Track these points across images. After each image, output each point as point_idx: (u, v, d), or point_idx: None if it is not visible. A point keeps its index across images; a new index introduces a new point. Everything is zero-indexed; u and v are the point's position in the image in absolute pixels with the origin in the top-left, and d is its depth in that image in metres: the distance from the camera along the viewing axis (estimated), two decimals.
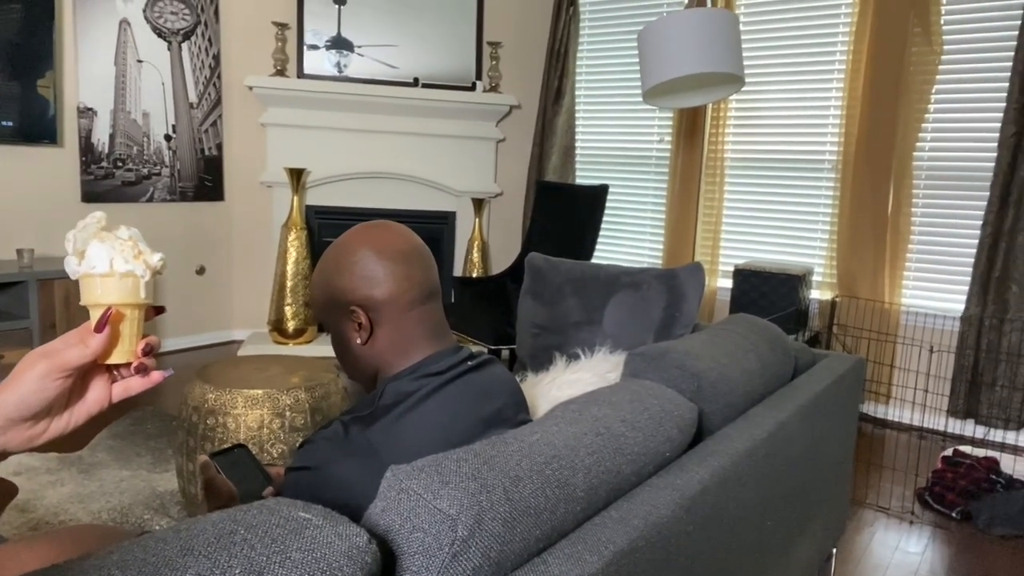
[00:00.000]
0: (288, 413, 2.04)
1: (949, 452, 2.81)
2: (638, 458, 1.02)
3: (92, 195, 3.71)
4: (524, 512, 0.79)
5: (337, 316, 1.04)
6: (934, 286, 3.42)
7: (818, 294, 3.67)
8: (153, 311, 0.75)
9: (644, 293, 1.94)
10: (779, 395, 1.54)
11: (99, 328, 0.68)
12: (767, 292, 3.46)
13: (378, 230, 1.05)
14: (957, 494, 2.56)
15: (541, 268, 2.11)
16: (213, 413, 2.00)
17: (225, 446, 1.28)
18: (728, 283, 3.85)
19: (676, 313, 1.92)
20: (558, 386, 1.37)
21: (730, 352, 1.47)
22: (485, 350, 1.14)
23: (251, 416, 2.00)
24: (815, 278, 3.69)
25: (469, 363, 1.05)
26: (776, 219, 3.84)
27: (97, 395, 0.72)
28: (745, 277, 3.51)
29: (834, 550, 2.01)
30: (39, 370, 0.66)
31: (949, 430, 3.33)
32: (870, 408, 3.55)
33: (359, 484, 0.88)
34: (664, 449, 1.08)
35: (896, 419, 3.49)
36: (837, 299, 3.55)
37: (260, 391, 2.04)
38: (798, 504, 1.54)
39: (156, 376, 0.74)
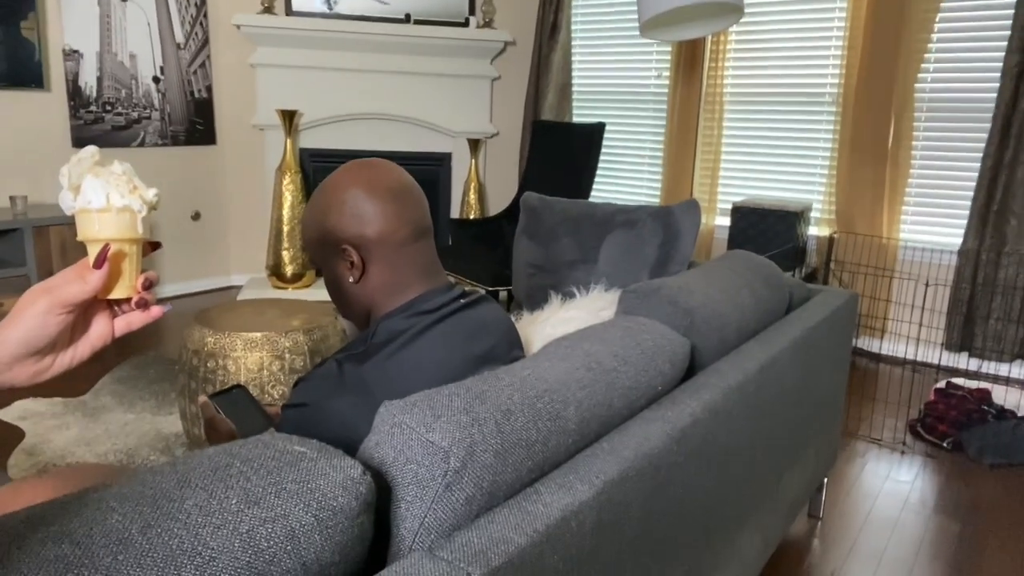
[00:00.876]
0: (287, 355, 2.06)
1: (942, 384, 2.85)
2: (629, 392, 1.03)
3: (82, 140, 3.66)
4: (516, 444, 0.80)
5: (329, 255, 1.04)
6: (933, 220, 3.41)
7: (816, 230, 3.66)
8: (150, 246, 0.76)
9: (639, 231, 1.94)
10: (772, 330, 1.55)
11: (98, 264, 0.68)
12: (765, 229, 3.45)
13: (368, 168, 1.04)
14: (948, 424, 2.60)
15: (536, 208, 2.10)
16: (213, 356, 2.02)
17: (224, 387, 1.30)
18: (727, 221, 3.84)
19: (671, 251, 1.91)
20: (552, 324, 1.38)
21: (724, 288, 1.48)
22: (482, 291, 1.14)
23: (251, 358, 2.02)
24: (814, 214, 3.68)
25: (462, 301, 1.05)
26: (775, 155, 3.80)
27: (100, 330, 0.73)
28: (743, 214, 3.49)
29: (825, 480, 2.06)
30: (40, 306, 0.66)
31: (943, 363, 3.37)
32: (865, 343, 3.58)
33: (353, 419, 0.90)
34: (656, 383, 1.10)
35: (891, 353, 3.52)
36: (835, 235, 3.54)
37: (259, 334, 2.05)
38: (789, 436, 1.57)
39: (156, 310, 0.75)
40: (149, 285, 0.73)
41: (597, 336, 1.10)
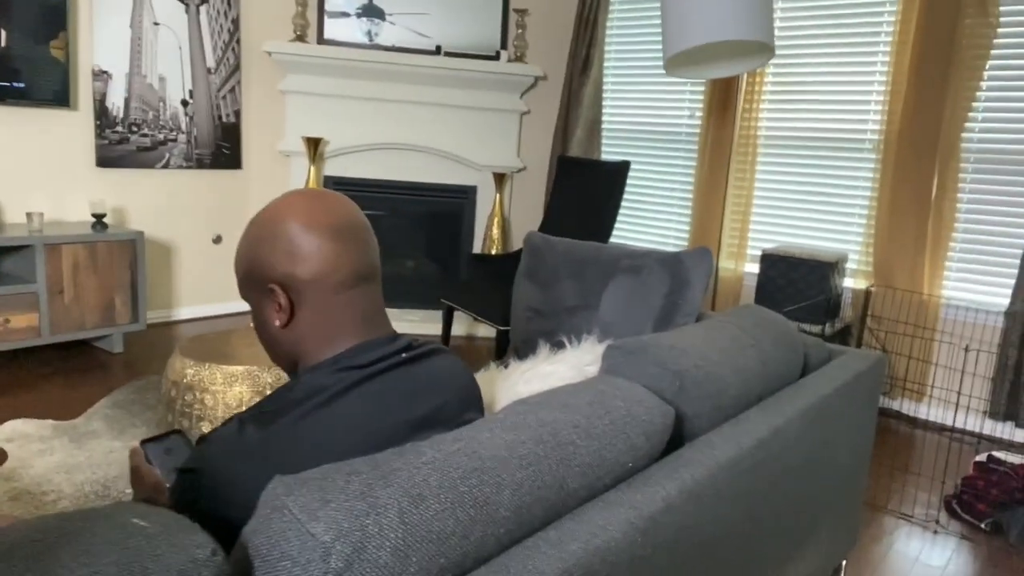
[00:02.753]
0: (269, 391, 1.95)
1: (983, 457, 2.61)
2: (589, 470, 0.89)
3: (106, 160, 3.67)
4: (423, 538, 0.67)
5: (256, 293, 0.93)
6: (978, 278, 3.19)
7: (852, 283, 3.46)
8: None
9: (644, 278, 1.80)
10: (780, 396, 1.39)
11: None
12: (796, 279, 3.26)
13: (310, 199, 0.93)
14: (988, 504, 2.37)
15: (538, 247, 1.98)
16: (191, 389, 1.93)
17: (160, 432, 1.20)
18: (755, 268, 3.66)
19: (678, 301, 1.77)
20: (526, 380, 1.25)
21: (725, 347, 1.33)
22: (436, 341, 1.01)
23: (230, 393, 1.92)
24: (849, 265, 3.48)
25: (404, 355, 0.93)
26: (811, 201, 3.62)
27: None
28: (773, 262, 3.32)
29: (843, 563, 1.86)
30: None
31: (986, 432, 3.12)
32: (901, 405, 3.35)
33: (244, 493, 0.77)
34: (625, 459, 0.95)
35: (929, 418, 3.28)
36: (872, 289, 3.34)
37: (241, 367, 1.96)
38: (795, 518, 1.39)
39: None
40: None
41: (560, 401, 0.96)
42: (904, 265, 3.29)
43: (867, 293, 3.33)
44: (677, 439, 1.15)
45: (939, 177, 3.19)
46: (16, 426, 2.57)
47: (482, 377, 1.42)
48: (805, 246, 3.57)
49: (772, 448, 1.21)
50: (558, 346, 1.54)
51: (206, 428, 1.90)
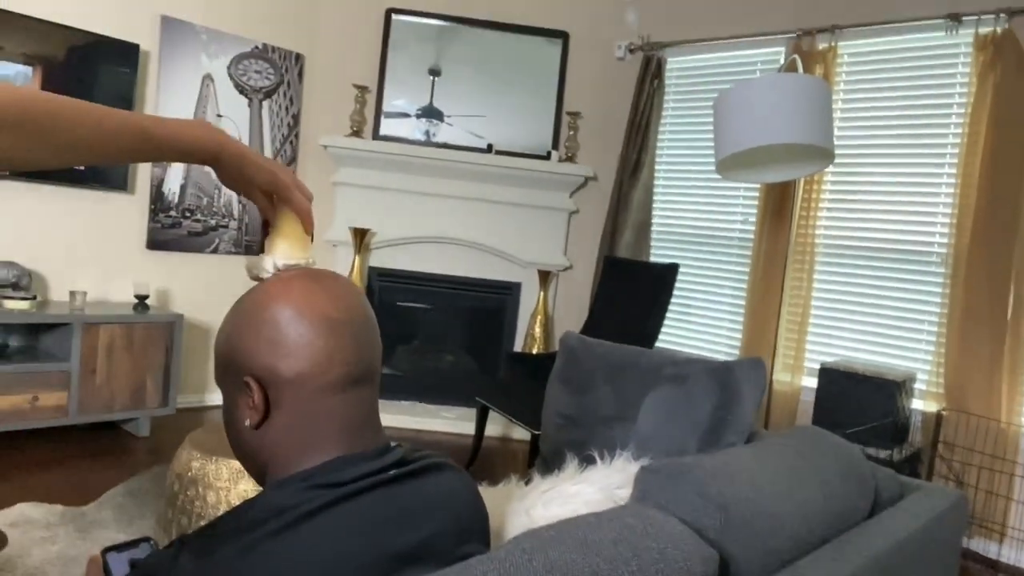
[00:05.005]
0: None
1: None
2: None
3: (157, 243, 3.72)
4: None
5: (230, 383, 0.81)
6: None
7: (921, 405, 3.18)
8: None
9: (690, 389, 1.63)
10: (846, 539, 1.18)
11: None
12: (859, 398, 3.01)
13: (308, 281, 0.80)
14: None
15: (574, 349, 1.84)
16: (195, 483, 1.80)
17: (127, 539, 1.06)
18: (813, 383, 3.42)
19: (727, 416, 1.58)
20: (546, 500, 1.08)
21: (781, 476, 1.14)
22: (436, 455, 0.87)
23: (235, 491, 1.79)
24: (918, 386, 3.21)
25: (392, 472, 0.78)
26: (873, 315, 3.40)
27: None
28: (833, 378, 3.09)
29: None
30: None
31: None
32: (979, 546, 2.99)
33: None
34: None
35: (1012, 562, 2.91)
36: (944, 412, 3.06)
37: None
38: None
39: None
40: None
41: (579, 537, 0.80)
42: (979, 389, 3.01)
43: (938, 417, 3.05)
44: None
45: (1015, 294, 2.96)
46: (24, 510, 2.47)
47: (499, 492, 1.25)
48: (869, 362, 3.33)
49: None
50: (588, 460, 1.37)
51: None
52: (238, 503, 1.77)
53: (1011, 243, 2.96)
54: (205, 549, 0.67)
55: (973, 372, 3.03)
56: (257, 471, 0.81)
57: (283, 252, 0.87)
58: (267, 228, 1.02)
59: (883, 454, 2.84)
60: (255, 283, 0.85)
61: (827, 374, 3.10)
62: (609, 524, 0.86)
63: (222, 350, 0.82)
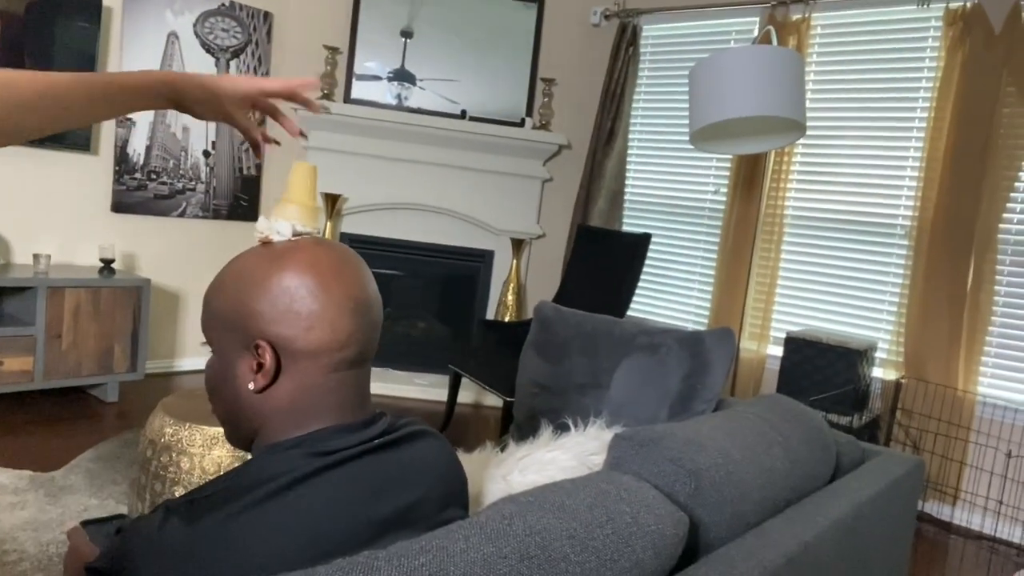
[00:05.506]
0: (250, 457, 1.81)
1: None
2: None
3: (122, 205, 3.64)
4: None
5: (231, 344, 0.79)
6: (1017, 375, 3.00)
7: (881, 373, 3.28)
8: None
9: (662, 357, 1.66)
10: (809, 503, 1.23)
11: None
12: (822, 366, 3.10)
13: (337, 259, 0.80)
14: None
15: (549, 318, 1.86)
16: (168, 449, 1.80)
17: (103, 515, 1.07)
18: (779, 351, 3.50)
19: (697, 384, 1.62)
20: (523, 467, 1.10)
21: (749, 443, 1.18)
22: (419, 422, 0.89)
23: (208, 457, 1.79)
24: (879, 355, 3.31)
25: (376, 441, 0.79)
26: (838, 285, 3.48)
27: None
28: (798, 347, 3.16)
29: None
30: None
31: (1021, 542, 2.88)
32: (933, 508, 3.11)
33: None
34: None
35: (964, 523, 3.04)
36: (903, 380, 3.16)
37: (222, 429, 1.82)
38: None
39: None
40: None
41: (554, 502, 0.82)
42: (937, 358, 3.11)
43: (897, 385, 3.15)
44: (689, 550, 0.99)
45: (975, 267, 3.05)
46: None
47: (475, 459, 1.28)
48: (832, 331, 3.41)
49: (800, 566, 1.05)
50: (562, 428, 1.40)
51: (179, 493, 1.76)
52: (212, 468, 1.78)
53: (972, 217, 3.04)
54: (194, 515, 0.67)
55: (932, 341, 3.13)
56: (243, 433, 0.81)
57: (300, 217, 0.84)
58: (257, 150, 1.05)
59: (844, 420, 2.93)
60: (263, 244, 0.83)
61: (792, 343, 3.17)
62: (584, 490, 0.88)
63: (225, 308, 0.80)
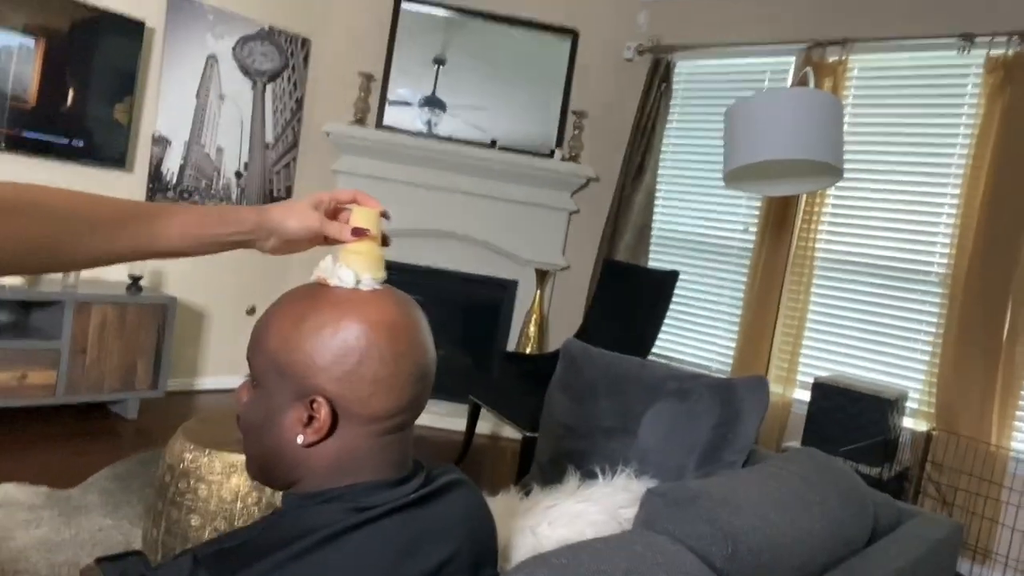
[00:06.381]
0: (268, 489, 1.79)
1: None
2: None
3: None
4: None
5: (282, 388, 0.75)
6: None
7: (911, 423, 3.19)
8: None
9: (692, 405, 1.62)
10: (847, 568, 1.18)
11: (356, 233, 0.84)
12: (852, 414, 3.02)
13: (406, 321, 0.77)
14: None
15: (576, 358, 1.82)
16: (186, 476, 1.78)
17: (119, 551, 1.05)
18: (805, 396, 3.42)
19: (728, 434, 1.58)
20: (551, 519, 1.07)
21: (786, 503, 1.13)
22: (454, 470, 0.86)
23: (227, 486, 1.77)
24: (909, 404, 3.22)
25: (412, 496, 0.77)
26: (869, 332, 3.41)
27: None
28: (826, 393, 3.09)
29: None
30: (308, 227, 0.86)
31: None
32: (963, 567, 3.01)
33: None
34: None
35: None
36: (933, 432, 3.07)
37: (242, 457, 1.80)
38: None
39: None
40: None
41: (590, 567, 0.79)
42: (970, 410, 3.03)
43: (928, 436, 3.06)
44: None
45: (1011, 318, 2.97)
46: (8, 491, 2.44)
47: (499, 503, 1.24)
48: (862, 379, 3.33)
49: None
50: (588, 474, 1.36)
51: (195, 522, 1.74)
52: (230, 496, 1.75)
53: (1010, 266, 2.97)
54: (224, 570, 0.65)
55: (965, 393, 3.04)
56: (278, 477, 0.78)
57: (368, 268, 0.79)
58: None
59: (872, 471, 2.84)
60: (318, 283, 0.79)
61: (820, 388, 3.10)
62: (619, 553, 0.85)
63: (280, 352, 0.76)
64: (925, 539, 1.40)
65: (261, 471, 0.81)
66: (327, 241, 0.86)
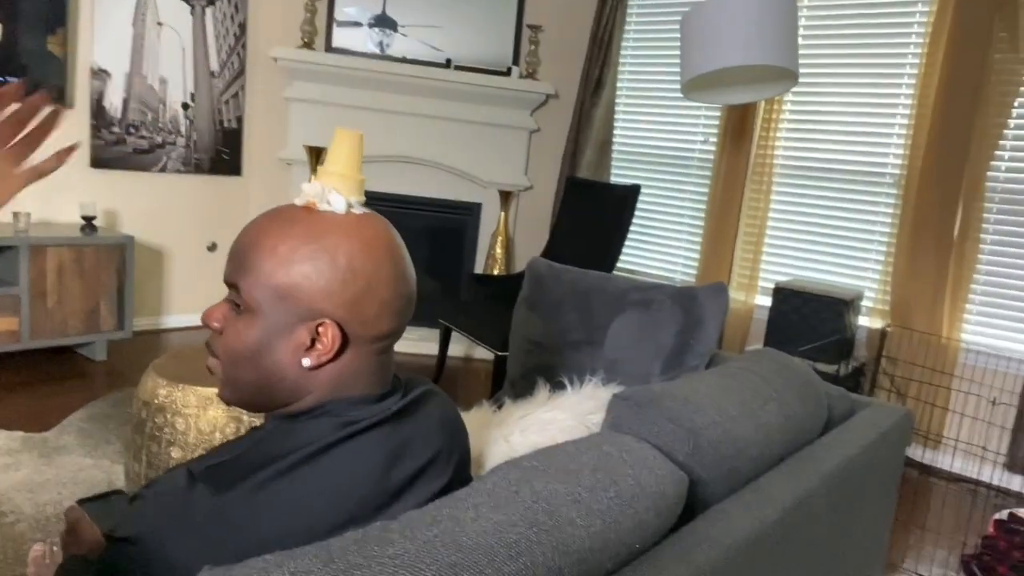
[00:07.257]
0: (246, 417, 1.82)
1: (1004, 515, 2.46)
2: (590, 555, 0.75)
3: (101, 161, 3.56)
4: None
5: (283, 313, 0.74)
6: (1001, 323, 3.05)
7: (867, 321, 3.32)
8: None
9: (655, 314, 1.66)
10: (802, 457, 1.25)
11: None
12: (809, 315, 3.13)
13: (399, 242, 0.81)
14: (1010, 567, 2.22)
15: (542, 275, 1.85)
16: (163, 411, 1.80)
17: (100, 492, 1.07)
18: (767, 301, 3.53)
19: (690, 340, 1.63)
20: (523, 428, 1.11)
21: (744, 400, 1.19)
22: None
23: (204, 417, 1.79)
24: (865, 303, 3.34)
25: (393, 407, 0.80)
26: (827, 235, 3.49)
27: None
28: (786, 297, 3.19)
29: None
30: None
31: (1006, 486, 2.96)
32: (916, 452, 3.19)
33: (187, 572, 0.64)
34: (632, 540, 0.82)
35: (945, 467, 3.13)
36: (888, 329, 3.20)
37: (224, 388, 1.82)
38: None
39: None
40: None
41: (559, 466, 0.83)
42: (923, 306, 3.15)
43: (883, 333, 3.20)
44: (688, 507, 1.01)
45: (962, 216, 3.06)
46: None
47: (473, 417, 1.28)
48: (820, 281, 3.43)
49: (796, 519, 1.07)
50: (558, 386, 1.40)
51: (175, 453, 1.77)
52: (207, 428, 1.78)
53: (961, 164, 3.04)
54: (221, 482, 0.68)
55: (918, 289, 3.16)
56: (273, 401, 0.78)
57: (349, 191, 0.78)
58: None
59: (830, 369, 2.97)
60: (299, 205, 0.77)
61: (780, 293, 3.20)
62: (587, 452, 0.89)
63: (281, 277, 0.74)
64: (876, 426, 1.48)
65: (253, 396, 0.79)
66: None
